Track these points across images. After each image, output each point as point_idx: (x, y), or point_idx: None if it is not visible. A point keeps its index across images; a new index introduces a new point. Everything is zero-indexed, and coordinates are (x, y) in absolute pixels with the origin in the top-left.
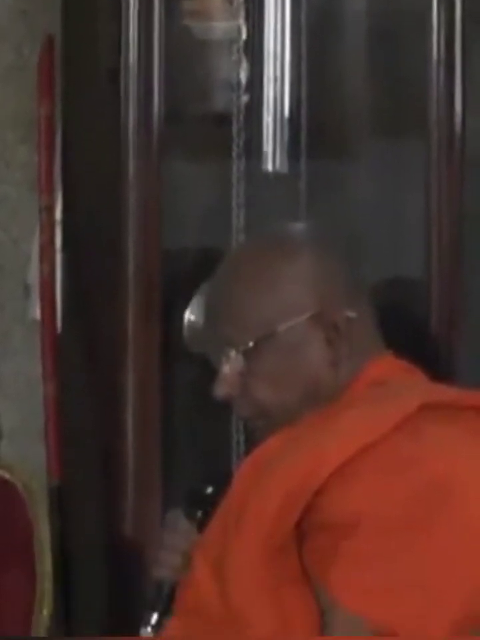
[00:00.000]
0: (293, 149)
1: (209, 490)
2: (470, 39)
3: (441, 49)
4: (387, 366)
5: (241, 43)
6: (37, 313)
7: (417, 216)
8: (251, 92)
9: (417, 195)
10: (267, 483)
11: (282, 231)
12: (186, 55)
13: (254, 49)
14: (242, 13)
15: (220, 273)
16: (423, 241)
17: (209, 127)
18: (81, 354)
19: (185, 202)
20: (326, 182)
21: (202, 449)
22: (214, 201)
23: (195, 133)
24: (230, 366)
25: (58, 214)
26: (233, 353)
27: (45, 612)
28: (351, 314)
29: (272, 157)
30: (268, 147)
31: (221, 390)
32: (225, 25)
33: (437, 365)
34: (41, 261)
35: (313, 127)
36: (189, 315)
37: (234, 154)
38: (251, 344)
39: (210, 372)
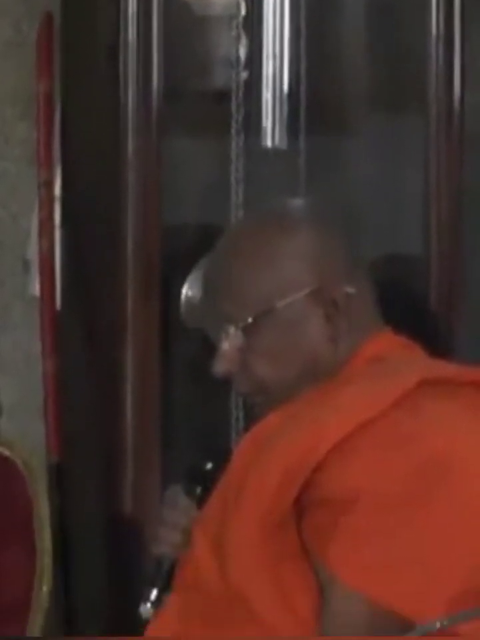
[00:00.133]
0: (292, 125)
1: (209, 466)
2: (469, 15)
3: (440, 25)
4: (386, 342)
5: (240, 19)
6: (36, 288)
7: (416, 192)
8: (250, 68)
9: (416, 170)
10: (266, 459)
11: (281, 207)
12: (185, 31)
13: (253, 25)
14: None
15: (219, 249)
16: (422, 216)
17: (208, 103)
18: (80, 330)
19: (184, 178)
20: (325, 158)
21: (201, 425)
22: (213, 177)
23: (194, 109)
24: (229, 342)
25: (57, 190)
26: (232, 329)
27: (45, 588)
28: (350, 290)
29: (271, 133)
30: (267, 123)
31: (220, 366)
32: (224, 0)
33: (435, 341)
34: (40, 236)
35: (312, 103)
36: (186, 291)
37: (233, 130)
38: (250, 320)
39: (209, 348)
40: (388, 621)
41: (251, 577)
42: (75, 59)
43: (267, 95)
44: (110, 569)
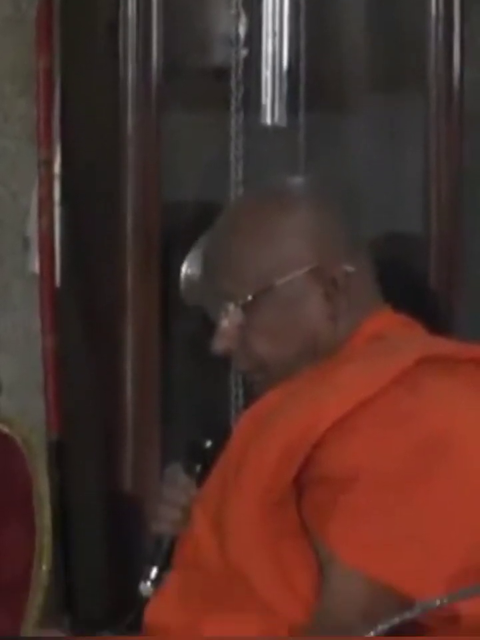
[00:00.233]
0: (291, 103)
1: (208, 444)
2: None
3: (440, 3)
4: (386, 320)
5: None
6: (35, 266)
7: (416, 170)
8: (250, 45)
9: (416, 148)
10: (265, 437)
11: (280, 185)
12: (185, 8)
13: (253, 2)
14: None
15: (218, 227)
16: (422, 194)
17: (208, 80)
18: (80, 307)
19: (184, 156)
20: (324, 136)
21: (201, 402)
22: (212, 154)
23: (193, 86)
24: (228, 320)
25: (57, 167)
26: (231, 307)
27: (44, 567)
28: (350, 268)
29: (271, 111)
30: (266, 100)
31: (219, 344)
32: None
33: (435, 319)
34: (40, 214)
35: (312, 80)
36: (186, 269)
37: (232, 108)
38: (249, 298)
39: (209, 326)
40: (387, 599)
41: (250, 554)
42: (75, 35)
43: (267, 73)
44: (110, 546)
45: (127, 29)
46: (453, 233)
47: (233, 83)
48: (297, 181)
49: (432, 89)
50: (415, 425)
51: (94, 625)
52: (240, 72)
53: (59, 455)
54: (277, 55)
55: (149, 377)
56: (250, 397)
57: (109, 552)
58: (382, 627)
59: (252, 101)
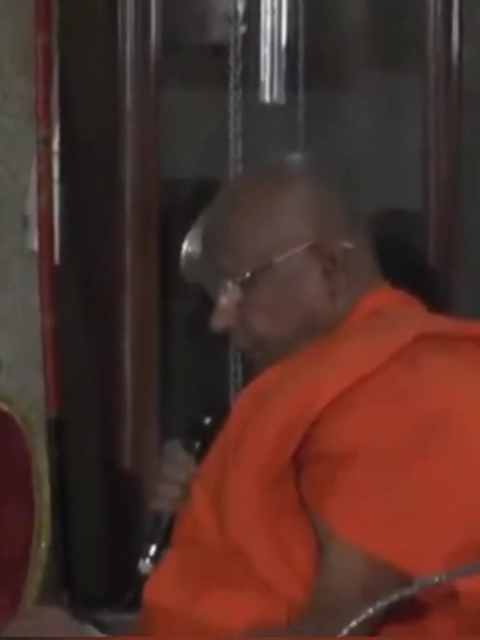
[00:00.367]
0: (290, 80)
1: (207, 421)
2: None
3: None
4: (385, 297)
5: None
6: (35, 244)
7: (414, 147)
8: (249, 22)
9: (415, 125)
10: (264, 414)
11: (279, 162)
12: None
13: None
14: None
15: (217, 204)
16: (421, 171)
17: (207, 57)
18: (79, 285)
19: (182, 132)
20: (323, 113)
21: (200, 380)
22: (211, 131)
23: (192, 63)
24: (227, 297)
25: (55, 145)
26: (230, 284)
27: (43, 544)
28: (349, 245)
29: (269, 88)
30: (265, 77)
31: (218, 321)
32: None
33: (434, 296)
34: (39, 192)
35: (311, 57)
36: (185, 246)
37: (231, 85)
38: (248, 275)
39: (208, 303)
40: (386, 576)
41: (249, 531)
42: (73, 12)
43: (265, 50)
44: (109, 524)
45: (126, 5)
46: (451, 210)
47: (231, 60)
48: (296, 158)
49: (431, 65)
50: (414, 401)
51: (93, 602)
52: (239, 49)
53: (58, 432)
54: (275, 31)
55: (148, 354)
56: (249, 374)
57: (108, 529)
58: (380, 604)
59: (251, 77)
